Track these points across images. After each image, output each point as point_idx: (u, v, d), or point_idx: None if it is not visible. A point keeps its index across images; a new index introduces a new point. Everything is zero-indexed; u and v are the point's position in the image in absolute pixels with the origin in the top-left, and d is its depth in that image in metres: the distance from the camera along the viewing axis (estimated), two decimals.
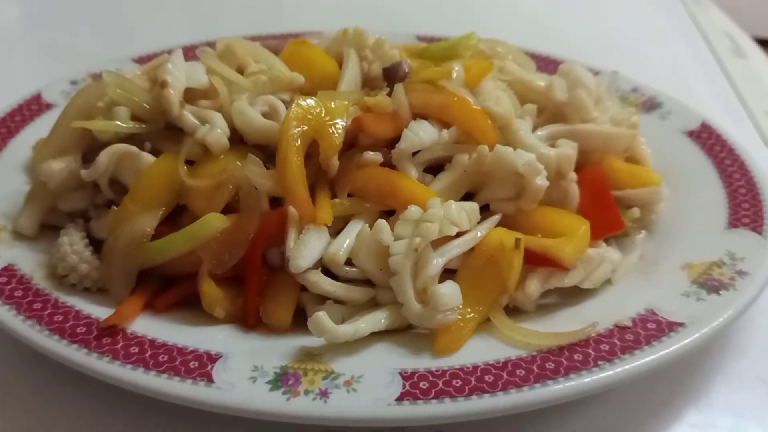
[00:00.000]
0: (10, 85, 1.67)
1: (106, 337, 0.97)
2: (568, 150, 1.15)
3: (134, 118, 1.14)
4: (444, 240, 1.03)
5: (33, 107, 1.41)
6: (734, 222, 1.17)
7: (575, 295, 1.10)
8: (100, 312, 1.01)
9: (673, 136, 1.39)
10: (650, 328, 1.00)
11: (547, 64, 1.59)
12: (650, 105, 1.47)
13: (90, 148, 1.16)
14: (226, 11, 2.10)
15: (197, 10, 2.13)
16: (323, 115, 1.10)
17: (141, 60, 1.56)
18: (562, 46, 1.72)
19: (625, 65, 1.79)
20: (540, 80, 1.29)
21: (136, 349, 0.95)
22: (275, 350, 0.97)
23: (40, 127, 1.34)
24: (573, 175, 1.14)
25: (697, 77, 1.92)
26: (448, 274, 1.04)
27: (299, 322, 1.03)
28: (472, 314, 1.01)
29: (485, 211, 1.11)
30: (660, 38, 2.11)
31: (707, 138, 1.37)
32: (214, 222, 1.01)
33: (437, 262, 1.01)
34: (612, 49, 1.96)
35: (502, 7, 2.20)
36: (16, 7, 2.11)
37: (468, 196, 1.14)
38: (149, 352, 0.95)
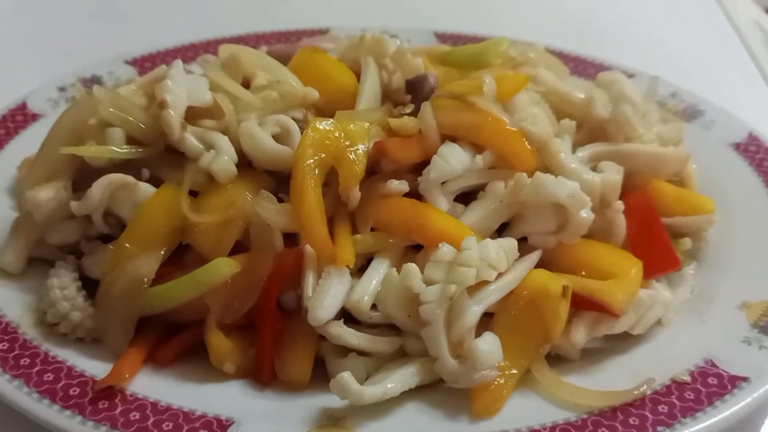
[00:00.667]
0: None
1: (103, 400, 0.86)
2: (614, 175, 1.04)
3: (130, 140, 1.02)
4: (480, 283, 0.92)
5: (18, 118, 1.28)
6: None
7: (621, 338, 0.99)
8: (95, 367, 0.90)
9: (718, 149, 1.28)
10: (711, 383, 0.90)
11: (577, 65, 1.47)
12: (691, 113, 1.35)
13: (81, 173, 1.04)
14: (226, 4, 1.95)
15: (195, 2, 1.99)
16: (342, 140, 0.98)
17: (135, 62, 1.42)
18: (585, 41, 1.60)
19: (655, 58, 1.69)
20: (578, 91, 1.17)
21: (137, 415, 0.84)
22: (293, 413, 0.87)
23: (26, 142, 1.21)
24: (620, 205, 1.03)
25: (728, 70, 1.80)
26: (484, 317, 0.93)
27: (319, 373, 0.93)
28: (514, 370, 0.90)
29: (522, 242, 1.00)
30: (689, 29, 1.98)
31: (755, 152, 1.26)
32: (222, 268, 0.90)
33: (474, 310, 0.90)
34: (640, 43, 1.83)
35: (522, 1, 2.05)
36: (7, 1, 1.96)
37: (503, 225, 1.03)
38: (152, 419, 0.84)
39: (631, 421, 0.85)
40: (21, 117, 1.28)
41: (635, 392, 0.88)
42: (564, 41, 1.51)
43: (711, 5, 2.09)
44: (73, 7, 1.91)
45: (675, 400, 0.88)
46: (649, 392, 0.88)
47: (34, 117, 1.28)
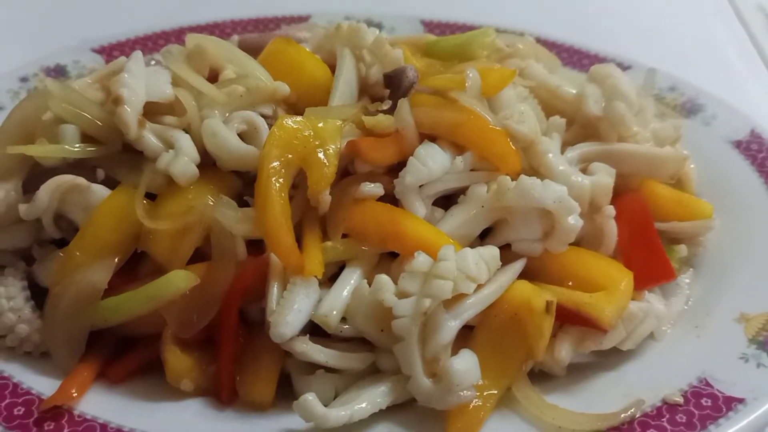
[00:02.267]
0: None
1: (49, 421, 0.80)
2: (605, 178, 0.97)
3: (85, 137, 0.95)
4: (458, 296, 0.85)
5: None
6: None
7: (612, 352, 0.92)
8: (43, 384, 0.84)
9: (718, 147, 1.20)
10: (705, 405, 0.84)
11: (571, 56, 1.39)
12: (691, 107, 1.27)
13: (32, 173, 0.97)
14: None
15: None
16: (312, 139, 0.90)
17: (102, 50, 1.35)
18: (582, 28, 1.51)
19: (655, 45, 1.61)
20: (569, 85, 1.09)
21: None
22: None
23: None
24: (611, 210, 0.96)
25: (731, 56, 1.72)
26: (462, 329, 0.86)
27: (284, 390, 0.87)
28: (493, 390, 0.84)
29: (505, 249, 0.93)
30: (691, 14, 1.89)
31: (758, 150, 1.19)
32: (178, 282, 0.83)
33: (451, 325, 0.83)
34: (640, 30, 1.74)
35: None
36: None
37: (484, 231, 0.96)
38: None
39: None
40: None
41: (623, 415, 0.82)
42: (560, 29, 1.43)
43: None
44: None
45: (666, 424, 0.82)
46: (638, 415, 0.82)
47: None
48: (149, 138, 0.93)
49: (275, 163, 0.87)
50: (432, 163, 0.92)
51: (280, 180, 0.87)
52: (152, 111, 0.96)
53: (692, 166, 1.13)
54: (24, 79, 1.27)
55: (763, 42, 1.81)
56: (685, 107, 1.27)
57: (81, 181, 0.91)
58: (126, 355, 0.88)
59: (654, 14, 1.87)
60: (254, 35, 1.24)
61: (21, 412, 0.81)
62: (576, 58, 1.39)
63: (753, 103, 1.40)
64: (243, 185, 0.96)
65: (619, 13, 1.83)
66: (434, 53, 1.14)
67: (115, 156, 0.95)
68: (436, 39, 1.19)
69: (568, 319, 0.88)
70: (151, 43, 1.36)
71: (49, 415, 0.80)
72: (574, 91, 1.08)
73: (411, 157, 0.92)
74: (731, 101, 1.28)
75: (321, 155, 0.90)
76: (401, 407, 0.85)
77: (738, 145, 1.20)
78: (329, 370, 0.86)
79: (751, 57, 1.72)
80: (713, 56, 1.69)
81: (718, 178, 1.15)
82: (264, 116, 0.98)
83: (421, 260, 0.84)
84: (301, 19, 1.43)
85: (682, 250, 1.01)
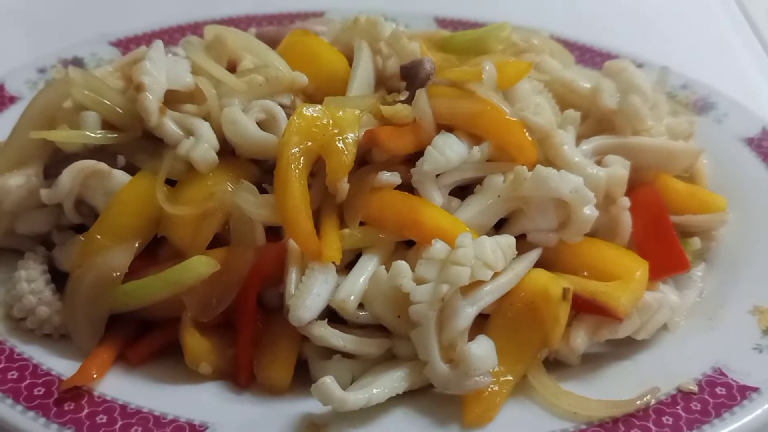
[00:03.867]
0: None
1: (69, 401, 0.81)
2: (620, 170, 0.98)
3: (106, 124, 0.96)
4: (475, 283, 0.86)
5: None
6: None
7: (625, 343, 0.93)
8: (62, 366, 0.85)
9: (730, 144, 1.21)
10: (719, 394, 0.84)
11: (583, 54, 1.40)
12: (703, 105, 1.28)
13: (53, 159, 0.98)
14: None
15: None
16: (330, 127, 0.91)
17: (120, 43, 1.36)
18: (594, 29, 1.52)
19: (666, 47, 1.61)
20: (584, 80, 1.10)
21: (104, 418, 0.79)
22: (272, 419, 0.81)
23: (2, 126, 1.15)
24: (625, 201, 0.96)
25: (742, 60, 1.73)
26: (478, 318, 0.87)
27: (301, 374, 0.87)
28: (508, 376, 0.84)
29: (521, 239, 0.93)
30: (701, 18, 1.90)
31: None
32: (199, 267, 0.84)
33: (468, 312, 0.84)
34: (651, 32, 1.75)
35: None
36: None
37: (500, 222, 0.97)
38: (120, 422, 0.79)
39: None
40: None
41: (638, 402, 0.82)
42: (572, 29, 1.44)
43: None
44: None
45: (680, 411, 0.82)
46: (653, 402, 0.83)
47: (12, 99, 1.22)
48: (170, 125, 0.94)
49: (295, 150, 0.88)
50: (449, 152, 0.92)
51: (300, 166, 0.88)
52: (173, 99, 0.97)
53: (705, 162, 1.14)
54: (42, 70, 1.28)
55: None
56: (697, 105, 1.28)
57: (103, 166, 0.92)
58: (145, 338, 0.89)
59: (666, 19, 1.88)
60: (271, 28, 1.25)
61: (41, 393, 0.81)
62: (588, 56, 1.40)
63: (765, 106, 1.40)
64: (261, 173, 0.97)
65: (631, 18, 1.84)
66: (450, 48, 1.15)
67: (135, 143, 0.96)
68: (451, 34, 1.20)
69: (583, 308, 0.89)
70: (167, 37, 1.37)
71: (68, 396, 0.81)
72: (588, 86, 1.08)
73: (429, 146, 0.92)
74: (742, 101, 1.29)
75: (340, 143, 0.91)
76: (417, 393, 0.86)
77: (750, 142, 1.20)
78: (346, 355, 0.87)
79: (762, 59, 1.73)
80: (724, 58, 1.71)
81: (730, 174, 1.16)
82: (282, 106, 0.99)
83: (438, 247, 0.85)
84: (316, 15, 1.44)
85: (696, 242, 1.02)
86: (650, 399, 0.82)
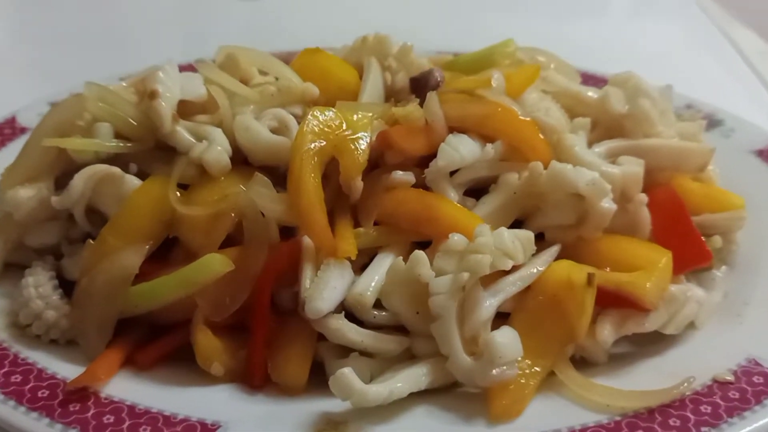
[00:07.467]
0: None
1: (74, 402, 0.77)
2: (635, 167, 0.97)
3: (119, 136, 0.96)
4: (495, 276, 0.83)
5: (6, 131, 1.23)
6: None
7: (652, 342, 0.90)
8: (68, 371, 0.82)
9: (741, 157, 1.21)
10: (757, 382, 0.80)
11: (586, 80, 1.42)
12: (709, 123, 1.28)
13: (65, 172, 0.97)
14: (222, 30, 1.94)
15: (191, 29, 1.97)
16: (344, 128, 0.92)
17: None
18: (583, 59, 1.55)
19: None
20: (590, 92, 1.11)
21: (111, 419, 0.75)
22: (288, 417, 0.77)
23: (12, 154, 1.15)
24: (643, 197, 0.95)
25: (740, 99, 1.75)
26: (498, 320, 0.84)
27: (316, 379, 0.83)
28: (535, 368, 0.81)
29: (539, 240, 0.91)
30: (698, 61, 1.95)
31: None
32: (215, 265, 0.82)
33: (490, 303, 0.81)
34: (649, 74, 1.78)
35: (521, 25, 2.02)
36: (5, 21, 1.95)
37: (517, 224, 0.95)
38: (127, 422, 0.75)
39: (671, 422, 0.75)
40: (9, 130, 1.24)
41: (674, 391, 0.78)
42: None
43: (716, 36, 2.07)
44: (67, 33, 1.90)
45: (719, 400, 0.78)
46: (688, 392, 0.79)
47: (23, 130, 1.23)
48: (182, 133, 0.94)
49: (309, 146, 0.88)
50: (463, 149, 0.92)
51: (314, 165, 0.88)
52: (185, 111, 0.98)
53: (714, 168, 1.13)
54: (53, 105, 1.30)
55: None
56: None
57: (115, 170, 0.91)
58: (155, 341, 0.85)
59: (661, 61, 1.92)
60: (281, 52, 1.27)
61: (45, 395, 0.78)
62: (591, 82, 1.42)
63: None
64: (274, 181, 0.96)
65: (626, 58, 1.88)
66: (456, 68, 1.17)
67: (148, 152, 0.96)
68: (456, 56, 1.23)
69: (608, 301, 0.86)
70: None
71: (74, 397, 0.77)
72: (595, 95, 1.09)
73: (442, 144, 0.92)
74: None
75: (353, 144, 0.91)
76: (439, 392, 0.82)
77: (760, 153, 1.20)
78: (363, 354, 0.84)
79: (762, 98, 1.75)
80: (722, 99, 1.73)
81: (745, 185, 1.15)
82: (294, 116, 0.99)
83: (456, 239, 0.83)
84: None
85: (717, 241, 0.99)
86: (686, 388, 0.78)
